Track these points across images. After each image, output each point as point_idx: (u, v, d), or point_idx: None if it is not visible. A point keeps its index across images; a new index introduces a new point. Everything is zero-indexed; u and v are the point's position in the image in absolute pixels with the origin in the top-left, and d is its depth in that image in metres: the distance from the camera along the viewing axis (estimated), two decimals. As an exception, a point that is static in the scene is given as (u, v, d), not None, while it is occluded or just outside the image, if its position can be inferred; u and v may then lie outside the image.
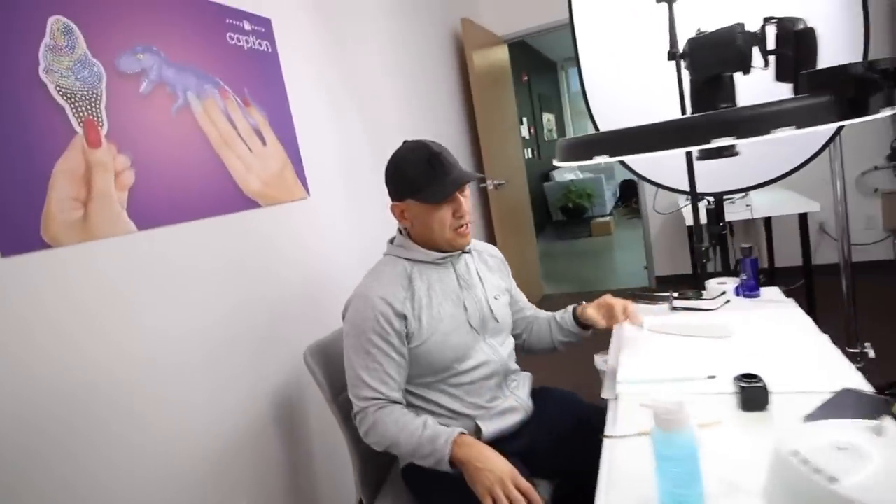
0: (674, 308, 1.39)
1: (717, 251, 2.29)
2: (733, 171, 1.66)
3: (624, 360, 1.13)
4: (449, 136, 3.03)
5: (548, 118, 8.05)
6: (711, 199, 2.28)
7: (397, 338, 1.09)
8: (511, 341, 1.29)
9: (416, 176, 1.10)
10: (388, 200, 1.17)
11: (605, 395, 1.04)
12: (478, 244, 1.33)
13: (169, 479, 1.13)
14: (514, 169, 3.80)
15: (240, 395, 1.34)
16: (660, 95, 1.65)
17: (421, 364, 1.12)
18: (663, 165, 1.74)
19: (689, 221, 2.69)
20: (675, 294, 1.45)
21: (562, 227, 6.98)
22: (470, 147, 3.35)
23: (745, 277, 1.39)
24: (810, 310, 2.43)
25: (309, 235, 1.69)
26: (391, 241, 1.24)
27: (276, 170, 1.55)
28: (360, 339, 1.08)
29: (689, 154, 1.57)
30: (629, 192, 8.41)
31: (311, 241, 1.69)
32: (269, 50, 1.60)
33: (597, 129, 1.76)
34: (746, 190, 1.77)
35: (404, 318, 1.10)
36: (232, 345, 1.34)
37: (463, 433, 1.01)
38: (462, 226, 1.14)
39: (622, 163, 1.76)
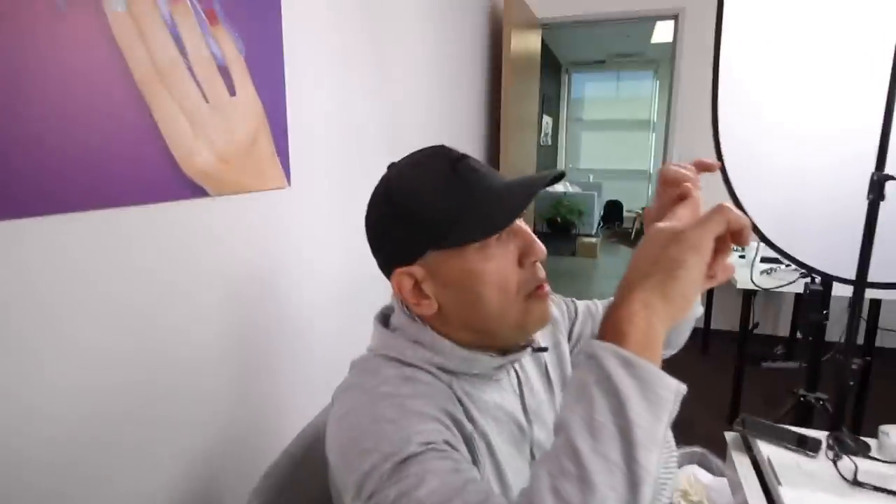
0: (857, 482, 0.88)
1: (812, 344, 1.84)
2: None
3: None
4: (467, 128, 2.48)
5: (546, 121, 7.57)
6: (818, 279, 1.81)
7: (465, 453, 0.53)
8: None
9: (438, 203, 0.55)
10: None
11: None
12: None
13: None
14: (527, 171, 3.28)
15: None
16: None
17: None
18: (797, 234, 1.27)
19: (742, 284, 2.24)
20: (832, 441, 0.96)
21: (545, 241, 6.53)
22: (485, 142, 2.80)
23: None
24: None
25: (283, 253, 1.11)
26: (384, 324, 0.64)
27: (244, 137, 0.96)
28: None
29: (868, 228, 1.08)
30: (613, 214, 8.09)
31: (282, 263, 1.11)
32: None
33: (718, 146, 1.27)
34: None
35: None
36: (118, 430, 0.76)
37: None
38: (540, 283, 0.60)
39: (758, 233, 1.27)
